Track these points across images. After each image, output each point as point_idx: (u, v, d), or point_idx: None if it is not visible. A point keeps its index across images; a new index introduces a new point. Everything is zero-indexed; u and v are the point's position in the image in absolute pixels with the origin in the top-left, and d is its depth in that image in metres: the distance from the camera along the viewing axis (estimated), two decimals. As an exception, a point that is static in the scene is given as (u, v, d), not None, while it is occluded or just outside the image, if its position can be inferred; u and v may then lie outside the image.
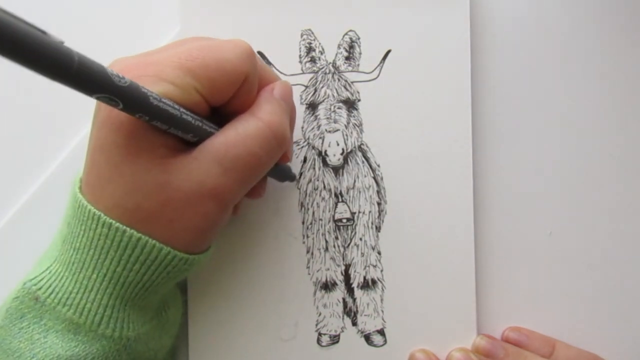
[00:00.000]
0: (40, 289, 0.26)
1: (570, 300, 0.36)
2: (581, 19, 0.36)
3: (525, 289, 0.35)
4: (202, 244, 0.27)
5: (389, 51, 0.34)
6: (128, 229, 0.25)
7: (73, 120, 0.35)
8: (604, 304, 0.36)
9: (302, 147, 0.34)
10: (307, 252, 0.34)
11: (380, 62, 0.34)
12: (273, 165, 0.29)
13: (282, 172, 0.32)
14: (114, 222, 0.25)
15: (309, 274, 0.34)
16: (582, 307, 0.36)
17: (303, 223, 0.34)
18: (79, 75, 0.19)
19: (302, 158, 0.34)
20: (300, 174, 0.34)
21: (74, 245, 0.26)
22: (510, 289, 0.35)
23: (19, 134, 0.35)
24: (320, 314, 0.34)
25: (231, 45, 0.26)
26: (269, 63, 0.34)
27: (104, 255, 0.25)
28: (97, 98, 0.21)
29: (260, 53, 0.34)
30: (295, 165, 0.34)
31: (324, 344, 0.34)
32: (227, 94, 0.26)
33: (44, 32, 0.19)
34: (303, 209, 0.34)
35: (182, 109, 0.24)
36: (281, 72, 0.34)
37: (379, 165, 0.34)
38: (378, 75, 0.34)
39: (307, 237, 0.34)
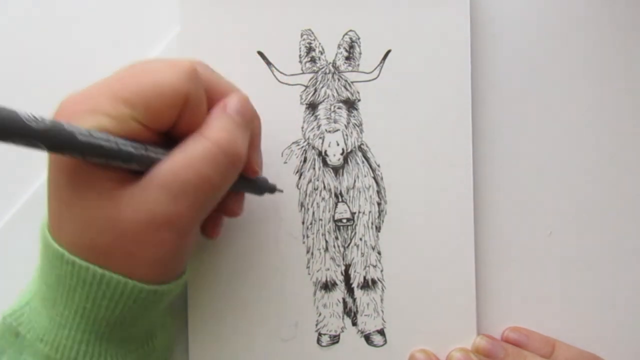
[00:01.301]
0: (20, 324, 0.26)
1: (570, 300, 0.36)
2: (581, 18, 0.36)
3: (525, 289, 0.35)
4: (169, 272, 0.27)
5: (389, 51, 0.34)
6: (91, 265, 0.24)
7: (73, 120, 0.34)
8: (604, 304, 0.36)
9: (302, 147, 0.34)
10: (307, 252, 0.34)
11: (380, 62, 0.34)
12: (243, 181, 0.28)
13: (256, 186, 0.31)
14: (77, 259, 0.24)
15: (309, 274, 0.34)
16: (582, 307, 0.36)
17: (303, 223, 0.34)
18: None
19: (302, 158, 0.34)
20: (300, 174, 0.34)
21: (46, 282, 0.26)
22: (510, 289, 0.35)
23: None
24: (320, 314, 0.34)
25: (168, 66, 0.25)
26: (268, 63, 0.34)
27: (72, 292, 0.25)
28: (16, 144, 0.20)
29: (260, 53, 0.34)
30: (295, 166, 0.34)
31: (324, 344, 0.34)
32: (169, 117, 0.25)
33: None
34: (303, 209, 0.34)
35: (119, 140, 0.23)
36: (281, 72, 0.34)
37: (379, 165, 0.34)
38: (378, 75, 0.34)
39: (307, 237, 0.34)
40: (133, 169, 0.25)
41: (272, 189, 0.32)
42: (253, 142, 0.29)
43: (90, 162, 0.23)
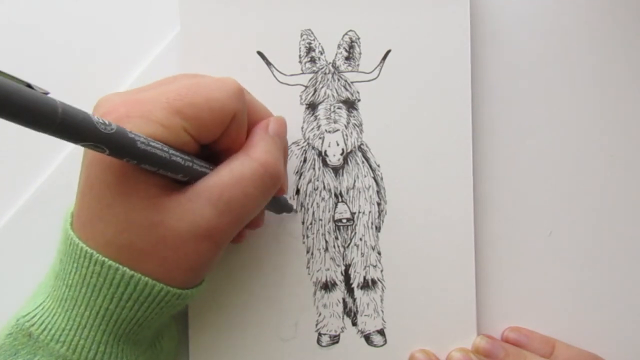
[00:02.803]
0: (33, 325, 0.26)
1: (570, 300, 0.36)
2: (581, 18, 0.36)
3: (525, 289, 0.35)
4: (196, 280, 0.27)
5: (389, 51, 0.34)
6: (121, 266, 0.25)
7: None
8: (604, 304, 0.36)
9: (302, 147, 0.34)
10: (307, 252, 0.34)
11: (380, 62, 0.34)
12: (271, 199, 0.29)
13: (279, 205, 0.32)
14: (107, 259, 0.25)
15: (309, 274, 0.34)
16: (582, 307, 0.36)
17: (303, 223, 0.34)
18: (64, 126, 0.19)
19: (302, 158, 0.34)
20: (300, 174, 0.34)
21: (67, 282, 0.26)
22: (510, 289, 0.35)
23: (19, 134, 0.35)
24: (320, 314, 0.34)
25: (220, 83, 0.26)
26: (268, 63, 0.34)
27: (97, 293, 0.25)
28: (84, 146, 0.21)
29: (260, 53, 0.34)
30: (295, 166, 0.34)
31: (324, 344, 0.34)
32: (217, 132, 0.26)
33: (29, 85, 0.19)
34: (303, 209, 0.34)
35: (171, 151, 0.24)
36: (281, 72, 0.34)
37: (379, 165, 0.34)
38: (378, 75, 0.34)
39: (307, 237, 0.34)
40: (178, 179, 0.25)
41: (290, 209, 0.34)
42: (284, 160, 0.31)
43: (141, 167, 0.24)
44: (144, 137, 0.23)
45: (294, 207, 0.34)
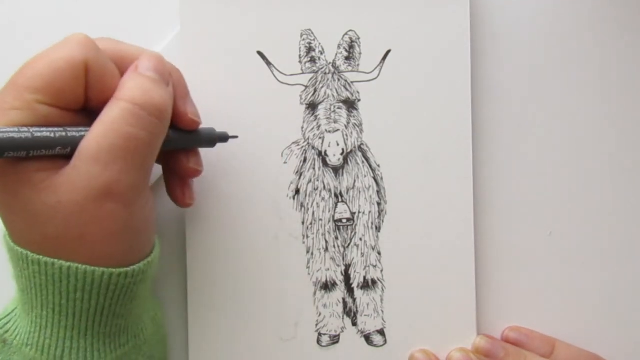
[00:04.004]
0: (7, 331, 0.26)
1: (570, 300, 0.36)
2: (581, 18, 0.36)
3: (525, 289, 0.35)
4: (130, 250, 0.26)
5: (389, 51, 0.34)
6: (56, 260, 0.24)
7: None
8: (604, 304, 0.36)
9: (302, 147, 0.34)
10: (307, 252, 0.34)
11: (380, 62, 0.34)
12: (187, 136, 0.28)
13: (203, 138, 0.30)
14: (41, 257, 0.24)
15: (309, 274, 0.34)
16: (582, 307, 0.36)
17: (303, 223, 0.34)
18: None
19: (302, 158, 0.34)
20: (300, 174, 0.34)
21: (20, 287, 0.26)
22: (510, 289, 0.35)
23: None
24: (320, 314, 0.34)
25: (61, 43, 0.25)
26: (268, 63, 0.34)
27: (45, 291, 0.25)
28: None
29: (260, 53, 0.34)
30: (295, 166, 0.34)
31: (324, 344, 0.34)
32: (76, 91, 0.25)
33: None
34: (303, 209, 0.34)
35: (33, 129, 0.23)
36: (281, 72, 0.34)
37: (379, 165, 0.34)
38: (378, 75, 0.34)
39: (307, 237, 0.34)
40: (60, 153, 0.24)
41: (223, 138, 0.31)
42: (179, 93, 0.28)
43: (12, 158, 0.23)
44: None
45: (230, 134, 0.32)
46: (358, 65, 0.34)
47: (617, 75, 0.36)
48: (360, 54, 0.34)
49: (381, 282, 0.34)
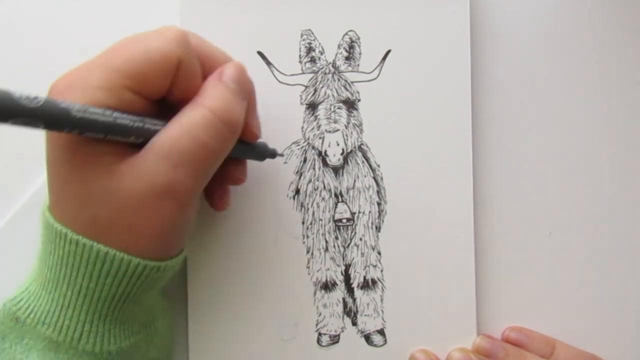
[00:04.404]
0: (19, 309, 0.26)
1: (570, 300, 0.36)
2: (581, 18, 0.36)
3: (525, 289, 0.35)
4: (170, 247, 0.27)
5: (389, 51, 0.34)
6: (95, 243, 0.24)
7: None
8: (604, 304, 0.36)
9: (302, 147, 0.34)
10: (307, 252, 0.34)
11: (380, 62, 0.34)
12: (243, 147, 0.28)
13: (257, 152, 0.31)
14: (80, 237, 0.24)
15: (309, 274, 0.34)
16: (582, 307, 0.36)
17: (303, 223, 0.34)
18: None
19: (302, 158, 0.34)
20: (300, 174, 0.34)
21: (48, 264, 0.26)
22: (510, 289, 0.35)
23: (19, 134, 0.35)
24: (320, 314, 0.34)
25: (157, 33, 0.25)
26: (268, 63, 0.34)
27: (76, 272, 0.25)
28: (12, 124, 0.20)
29: (260, 53, 0.34)
30: (295, 166, 0.34)
31: (324, 344, 0.34)
32: (163, 84, 0.25)
33: None
34: (303, 209, 0.34)
35: (115, 114, 0.23)
36: (281, 72, 0.34)
37: (379, 165, 0.34)
38: (378, 75, 0.34)
39: (307, 237, 0.34)
40: (132, 142, 0.25)
41: (272, 154, 0.32)
42: (250, 107, 0.29)
43: (88, 137, 0.23)
44: (79, 105, 0.22)
45: (279, 151, 0.33)
46: (358, 65, 0.34)
47: (617, 75, 0.36)
48: (360, 54, 0.34)
49: (381, 282, 0.34)
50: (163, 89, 0.25)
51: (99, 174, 0.24)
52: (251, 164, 0.33)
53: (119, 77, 0.24)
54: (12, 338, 0.25)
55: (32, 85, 0.34)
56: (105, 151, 0.24)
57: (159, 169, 0.24)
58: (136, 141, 0.25)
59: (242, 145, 0.29)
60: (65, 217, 0.25)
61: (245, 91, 0.28)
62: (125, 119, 0.24)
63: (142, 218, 0.25)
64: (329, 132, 0.34)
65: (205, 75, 0.27)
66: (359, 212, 0.34)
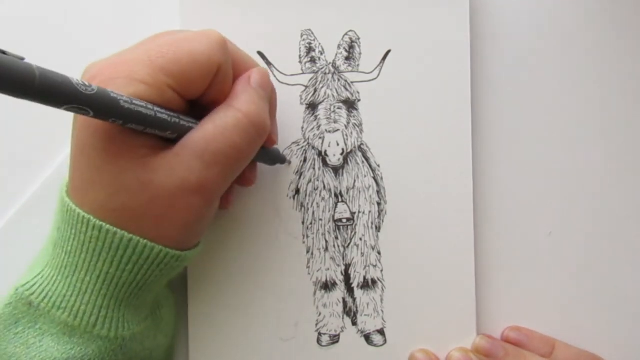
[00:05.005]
0: (33, 294, 0.26)
1: (570, 300, 0.36)
2: (581, 18, 0.36)
3: (525, 289, 0.35)
4: (192, 239, 0.28)
5: (389, 51, 0.34)
6: (119, 230, 0.25)
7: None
8: (604, 304, 0.36)
9: (302, 147, 0.34)
10: (307, 252, 0.34)
11: (380, 62, 0.34)
12: (261, 151, 0.29)
13: (271, 156, 0.32)
14: (104, 224, 0.25)
15: (309, 274, 0.34)
16: (582, 307, 0.36)
17: (303, 223, 0.34)
18: (43, 89, 0.19)
19: (302, 158, 0.34)
20: (300, 174, 0.34)
21: (65, 249, 0.26)
22: (510, 289, 0.35)
23: (19, 134, 0.35)
24: (320, 314, 0.34)
25: (202, 36, 0.26)
26: (268, 63, 0.34)
27: (96, 258, 0.25)
28: (66, 109, 0.21)
29: (260, 53, 0.34)
30: (295, 166, 0.34)
31: (324, 344, 0.34)
32: (202, 86, 0.26)
33: (2, 52, 0.19)
34: (303, 209, 0.34)
35: (156, 108, 0.24)
36: (281, 72, 0.34)
37: (379, 165, 0.34)
38: (378, 75, 0.34)
39: (307, 237, 0.34)
40: (167, 137, 0.25)
41: (283, 160, 0.34)
42: (271, 113, 0.30)
43: (127, 128, 0.24)
44: (127, 96, 0.23)
45: (288, 158, 0.34)
46: (358, 65, 0.34)
47: (617, 75, 0.36)
48: (360, 54, 0.34)
49: (381, 282, 0.34)
50: (201, 90, 0.26)
51: (134, 165, 0.25)
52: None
53: (163, 76, 0.25)
54: (26, 322, 0.26)
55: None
56: (141, 144, 0.25)
57: (192, 166, 0.25)
58: (171, 136, 0.25)
59: (260, 149, 0.30)
60: (90, 203, 0.25)
61: (269, 96, 0.29)
62: (164, 114, 0.25)
63: (171, 211, 0.25)
64: (329, 132, 0.34)
65: (234, 79, 0.28)
66: (359, 212, 0.34)
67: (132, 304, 0.27)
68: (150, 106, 0.24)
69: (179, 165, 0.25)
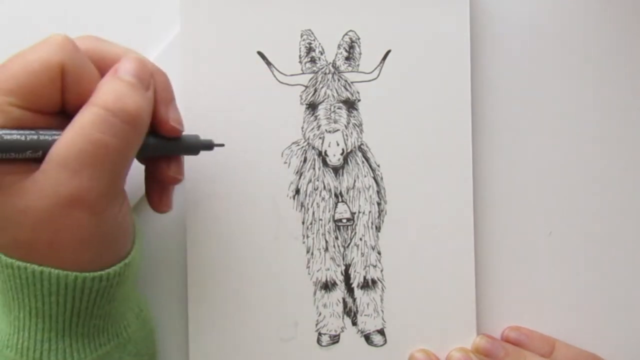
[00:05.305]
0: None
1: (570, 300, 0.36)
2: (581, 18, 0.36)
3: (525, 289, 0.35)
4: (101, 256, 0.26)
5: (388, 51, 0.34)
6: (28, 265, 0.24)
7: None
8: (604, 304, 0.36)
9: (302, 147, 0.34)
10: (307, 252, 0.34)
11: (380, 62, 0.34)
12: (168, 143, 0.27)
13: (186, 146, 0.29)
14: (14, 261, 0.24)
15: (309, 274, 0.34)
16: (582, 307, 0.36)
17: (303, 223, 0.34)
18: None
19: (302, 158, 0.34)
20: (300, 174, 0.34)
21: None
22: (510, 289, 0.35)
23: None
24: (320, 314, 0.34)
25: (39, 44, 0.24)
26: (268, 63, 0.34)
27: (21, 295, 0.25)
28: None
29: (260, 53, 0.34)
30: (295, 166, 0.34)
31: (324, 344, 0.34)
32: (52, 93, 0.24)
33: None
34: (303, 209, 0.34)
35: (2, 131, 0.23)
36: (281, 72, 0.34)
37: (379, 165, 0.34)
38: (378, 76, 0.34)
39: (307, 237, 0.34)
40: (32, 157, 0.24)
41: (208, 146, 0.30)
42: (162, 98, 0.27)
43: None
44: None
45: (216, 142, 0.30)
46: (358, 65, 0.34)
47: (617, 75, 0.36)
48: (360, 54, 0.34)
49: (381, 282, 0.34)
50: (53, 99, 0.24)
51: (7, 196, 0.23)
52: (250, 164, 0.33)
53: (2, 95, 0.23)
54: None
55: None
56: (6, 171, 0.23)
57: (59, 179, 0.23)
58: (35, 155, 0.24)
59: (167, 141, 0.28)
60: None
61: (148, 83, 0.26)
62: (14, 134, 0.23)
63: (58, 232, 0.24)
64: (329, 132, 0.34)
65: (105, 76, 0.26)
66: (359, 212, 0.34)
67: (79, 332, 0.26)
68: None
69: (47, 182, 0.23)
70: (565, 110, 0.36)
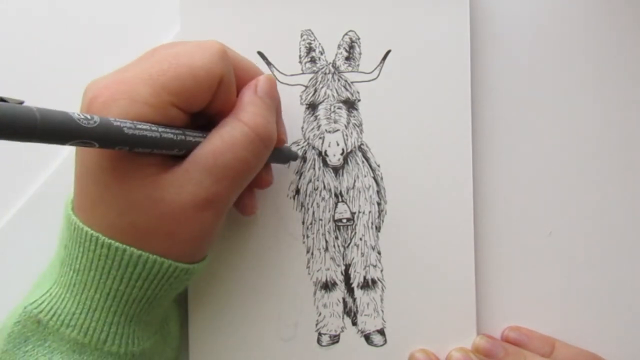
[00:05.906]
0: (41, 312, 0.26)
1: (570, 300, 0.36)
2: (581, 18, 0.36)
3: (525, 289, 0.35)
4: (200, 251, 0.28)
5: (388, 51, 0.34)
6: (128, 247, 0.25)
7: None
8: (604, 304, 0.36)
9: (302, 147, 0.34)
10: (307, 252, 0.34)
11: (380, 62, 0.34)
12: (272, 152, 0.29)
13: (282, 155, 0.32)
14: (113, 242, 0.25)
15: (309, 274, 0.34)
16: (582, 307, 0.36)
17: (303, 223, 0.34)
18: (45, 131, 0.19)
19: (302, 158, 0.34)
20: (300, 174, 0.34)
21: (74, 267, 0.26)
22: (510, 289, 0.35)
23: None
24: (320, 314, 0.34)
25: (201, 49, 0.26)
26: (268, 63, 0.34)
27: (106, 275, 0.25)
28: (71, 144, 0.21)
29: (260, 53, 0.34)
30: (295, 166, 0.34)
31: (324, 344, 0.34)
32: (205, 99, 0.26)
33: (1, 99, 0.19)
34: (303, 209, 0.34)
35: (161, 129, 0.24)
36: (281, 72, 0.34)
37: (379, 165, 0.34)
38: (378, 76, 0.34)
39: (307, 237, 0.34)
40: (173, 154, 0.25)
41: (295, 157, 0.34)
42: (277, 114, 0.30)
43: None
44: (129, 122, 0.23)
45: (299, 154, 0.34)
46: (358, 65, 0.34)
47: (617, 75, 0.36)
48: (360, 54, 0.34)
49: (381, 281, 0.34)
50: (204, 103, 0.26)
51: (143, 184, 0.25)
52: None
53: (166, 94, 0.24)
54: (35, 340, 0.26)
55: (30, 85, 0.34)
56: (149, 162, 0.25)
57: (202, 182, 0.25)
58: (179, 153, 0.25)
59: (274, 151, 0.30)
60: (97, 221, 0.25)
61: (276, 104, 0.29)
62: (169, 133, 0.24)
63: (181, 226, 0.25)
64: (329, 132, 0.34)
65: (238, 87, 0.28)
66: (359, 212, 0.34)
67: (142, 319, 0.27)
68: (154, 127, 0.24)
69: (188, 182, 0.25)
70: (566, 110, 0.36)
